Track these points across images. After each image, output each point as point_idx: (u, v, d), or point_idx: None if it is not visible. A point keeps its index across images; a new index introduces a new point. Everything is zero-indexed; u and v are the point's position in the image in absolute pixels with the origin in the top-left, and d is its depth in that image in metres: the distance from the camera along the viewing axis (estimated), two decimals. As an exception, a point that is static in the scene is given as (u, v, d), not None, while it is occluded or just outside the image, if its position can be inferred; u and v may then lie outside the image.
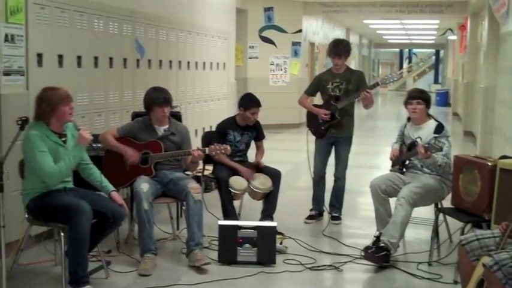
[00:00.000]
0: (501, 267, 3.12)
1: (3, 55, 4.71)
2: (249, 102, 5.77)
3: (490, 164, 4.49)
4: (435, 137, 5.06)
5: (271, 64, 15.02)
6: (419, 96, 5.26)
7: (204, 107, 8.70)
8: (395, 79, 6.13)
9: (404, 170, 5.34)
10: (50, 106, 4.16)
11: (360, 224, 6.34)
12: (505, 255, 3.17)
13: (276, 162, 6.27)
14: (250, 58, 14.67)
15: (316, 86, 6.34)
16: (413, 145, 5.19)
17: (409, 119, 5.43)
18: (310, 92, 6.43)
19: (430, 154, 4.82)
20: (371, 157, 10.16)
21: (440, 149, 4.81)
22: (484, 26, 12.12)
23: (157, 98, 5.04)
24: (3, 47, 4.70)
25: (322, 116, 6.10)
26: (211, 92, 9.07)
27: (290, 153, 10.33)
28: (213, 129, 8.36)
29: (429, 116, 5.33)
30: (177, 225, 5.69)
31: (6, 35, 4.72)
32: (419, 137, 5.17)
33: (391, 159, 5.53)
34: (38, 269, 4.67)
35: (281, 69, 15.11)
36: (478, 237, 3.59)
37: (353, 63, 22.46)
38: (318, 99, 6.51)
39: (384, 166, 9.14)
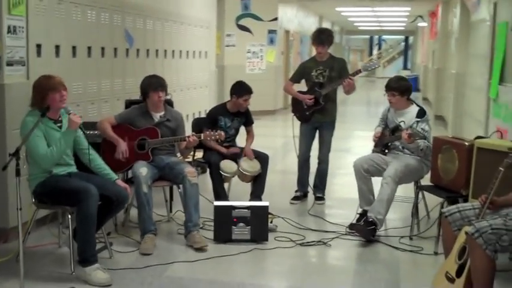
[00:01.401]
0: (482, 234, 3.48)
1: (6, 46, 4.90)
2: (241, 89, 6.07)
3: (467, 144, 4.86)
4: (417, 121, 5.40)
5: (248, 52, 15.28)
6: (393, 88, 5.51)
7: (187, 94, 8.93)
8: (377, 66, 6.46)
9: (386, 151, 5.68)
10: (40, 94, 4.38)
11: (341, 203, 6.68)
12: (485, 223, 3.53)
13: (255, 148, 6.53)
14: (227, 46, 14.91)
15: (301, 73, 6.64)
16: (396, 129, 5.53)
17: (392, 103, 5.73)
18: (295, 79, 6.73)
19: (413, 140, 5.16)
20: (343, 141, 10.53)
21: (424, 137, 5.17)
22: (455, 14, 12.53)
23: (152, 83, 5.30)
24: (6, 38, 4.89)
25: (307, 101, 6.40)
26: (194, 80, 9.30)
27: (268, 138, 10.63)
28: (197, 116, 8.69)
29: (410, 101, 5.65)
30: (170, 207, 5.95)
31: (8, 27, 4.91)
32: (402, 121, 5.51)
33: (374, 140, 5.86)
34: (43, 251, 4.88)
35: (257, 57, 15.38)
36: (459, 209, 3.94)
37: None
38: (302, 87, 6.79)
39: (355, 150, 9.54)
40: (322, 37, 6.36)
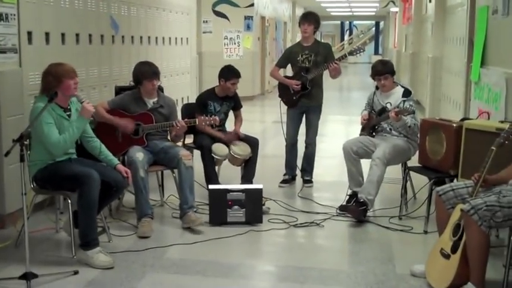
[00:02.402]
0: (477, 211, 3.63)
1: (-1, 33, 4.91)
2: (229, 73, 6.15)
3: (455, 125, 5.01)
4: (404, 101, 5.55)
5: (225, 38, 15.33)
6: (385, 71, 5.68)
7: (170, 80, 8.96)
8: (362, 51, 6.56)
9: (373, 133, 5.82)
10: (56, 79, 4.41)
11: (328, 186, 6.82)
12: (480, 200, 3.68)
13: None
14: (204, 33, 14.93)
15: (287, 58, 6.73)
16: (383, 111, 5.67)
17: (377, 87, 5.87)
18: (281, 64, 6.82)
19: (400, 117, 5.31)
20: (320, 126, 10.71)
21: (413, 112, 5.32)
22: (430, -1, 12.72)
23: (146, 71, 5.34)
24: (-1, 25, 4.90)
25: (294, 86, 6.50)
26: (176, 66, 9.34)
27: (250, 124, 10.72)
28: (180, 102, 8.74)
29: (395, 83, 5.81)
30: (163, 192, 6.02)
31: (0, 14, 4.91)
32: (389, 102, 5.66)
33: (362, 123, 5.99)
34: (40, 237, 4.93)
35: (234, 43, 15.44)
36: (452, 188, 4.09)
37: (298, 35, 22.86)
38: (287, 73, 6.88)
39: (332, 134, 9.69)
40: (309, 16, 6.49)
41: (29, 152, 4.43)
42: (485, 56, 6.34)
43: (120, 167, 4.70)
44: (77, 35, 6.17)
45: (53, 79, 4.42)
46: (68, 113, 4.55)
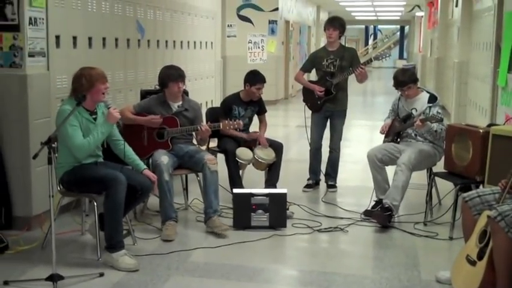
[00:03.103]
0: (504, 217, 3.58)
1: (28, 37, 4.97)
2: (254, 78, 6.16)
3: (481, 131, 4.97)
4: (430, 107, 5.51)
5: (249, 42, 15.37)
6: (406, 82, 5.59)
7: (195, 85, 8.99)
8: (388, 55, 6.53)
9: (398, 139, 5.79)
10: (89, 82, 4.47)
11: (352, 191, 6.80)
12: (507, 207, 3.64)
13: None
14: (228, 37, 14.98)
15: (312, 62, 6.72)
16: (408, 117, 5.64)
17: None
18: (306, 68, 6.82)
19: (425, 123, 5.27)
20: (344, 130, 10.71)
21: (441, 120, 5.28)
22: (456, 3, 12.61)
23: (172, 74, 5.39)
24: (28, 29, 4.96)
25: (318, 92, 6.49)
26: (201, 70, 9.38)
27: (273, 128, 10.73)
28: (205, 106, 8.77)
29: (420, 89, 5.76)
30: (187, 195, 6.04)
31: (30, 18, 4.97)
32: (414, 109, 5.62)
33: (381, 132, 5.95)
34: (66, 239, 4.98)
35: (258, 47, 15.47)
36: (479, 194, 4.05)
37: (323, 40, 22.87)
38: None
39: (356, 139, 9.65)
40: (335, 21, 6.50)
41: (56, 154, 4.48)
42: (512, 61, 6.28)
43: (147, 172, 4.73)
44: (104, 39, 6.23)
45: (86, 82, 4.47)
46: (94, 116, 4.59)
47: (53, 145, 3.90)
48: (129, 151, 4.80)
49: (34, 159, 3.96)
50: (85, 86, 4.46)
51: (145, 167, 4.79)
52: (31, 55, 5.04)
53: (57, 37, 5.41)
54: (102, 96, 4.53)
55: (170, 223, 5.07)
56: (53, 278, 3.90)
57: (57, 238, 4.54)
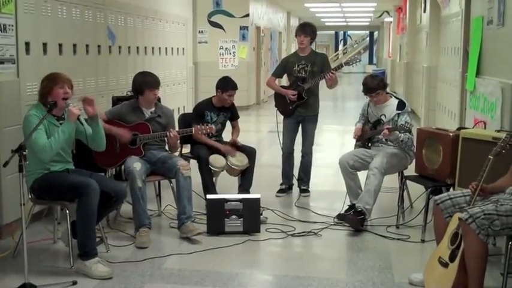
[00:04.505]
0: (475, 219, 3.64)
1: (-3, 44, 4.92)
2: (226, 84, 6.17)
3: (451, 134, 5.04)
4: (398, 114, 5.58)
5: (221, 48, 15.38)
6: (375, 88, 5.62)
7: (167, 91, 8.97)
8: (358, 60, 6.60)
9: (369, 144, 5.84)
10: (48, 87, 4.49)
11: (325, 195, 6.84)
12: (477, 209, 3.70)
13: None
14: (199, 43, 14.98)
15: (283, 68, 6.76)
16: (378, 122, 5.70)
17: (371, 99, 5.88)
18: (278, 73, 6.86)
19: (392, 133, 5.35)
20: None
21: (409, 130, 5.35)
22: (424, 9, 12.80)
23: (149, 81, 5.37)
24: (-3, 36, 4.91)
25: (290, 96, 6.52)
26: (172, 76, 9.37)
27: (246, 133, 10.73)
28: (177, 112, 8.75)
29: (389, 94, 5.82)
30: (160, 202, 6.01)
31: (-1, 25, 4.93)
32: (383, 115, 5.68)
33: (354, 137, 6.01)
34: (38, 247, 4.92)
35: (230, 53, 15.48)
36: (450, 197, 4.11)
37: (293, 45, 22.98)
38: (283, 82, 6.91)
39: (326, 144, 9.67)
40: (306, 28, 6.53)
41: (27, 162, 4.42)
42: (480, 66, 6.38)
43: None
44: (74, 45, 6.19)
45: (46, 86, 4.49)
46: (61, 122, 4.55)
47: (24, 152, 3.83)
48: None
49: (4, 167, 3.91)
50: (45, 90, 4.47)
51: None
52: (0, 62, 4.98)
53: (27, 44, 5.35)
54: (61, 101, 4.47)
55: (144, 230, 5.05)
56: (25, 287, 3.85)
57: (29, 247, 4.50)
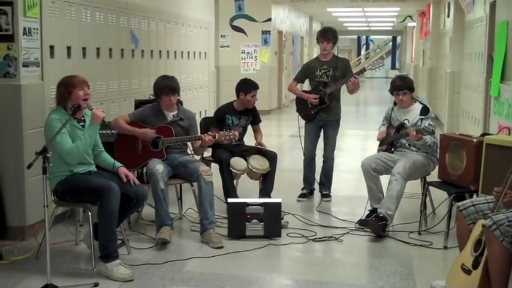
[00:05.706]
0: (498, 226, 3.60)
1: (22, 48, 4.97)
2: (247, 86, 6.19)
3: (475, 140, 5.00)
4: (421, 119, 5.54)
5: (242, 52, 15.42)
6: (403, 87, 5.66)
7: (188, 94, 9.02)
8: (381, 65, 6.57)
9: (392, 149, 5.81)
10: (67, 90, 4.51)
11: (347, 200, 6.81)
12: (501, 216, 3.65)
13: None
14: (221, 47, 15.02)
15: (305, 73, 6.75)
16: (401, 127, 5.66)
17: (395, 103, 5.86)
18: (299, 78, 6.84)
19: (421, 137, 5.30)
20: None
21: (433, 132, 5.31)
22: (448, 14, 12.70)
23: (164, 87, 5.38)
24: (22, 40, 4.96)
25: (312, 101, 6.51)
26: (194, 80, 9.41)
27: (267, 137, 10.70)
28: (198, 116, 8.78)
29: (414, 99, 5.80)
30: (181, 205, 6.03)
31: (24, 29, 4.98)
32: (406, 119, 5.65)
33: (378, 139, 5.98)
34: (61, 248, 4.96)
35: (251, 58, 15.51)
36: (473, 203, 4.06)
37: (315, 50, 22.95)
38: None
39: (349, 149, 9.63)
40: (328, 33, 6.51)
41: (50, 164, 4.46)
42: (505, 71, 6.32)
43: (122, 169, 4.68)
44: (98, 49, 6.24)
45: (65, 90, 4.52)
46: (82, 124, 4.61)
47: (48, 155, 3.87)
48: (107, 156, 4.80)
49: (28, 169, 3.95)
50: (64, 94, 4.51)
51: (120, 164, 4.73)
52: (25, 65, 5.04)
53: (52, 47, 5.42)
54: (82, 102, 4.52)
55: (165, 227, 5.06)
56: (48, 288, 3.89)
57: (51, 248, 4.52)
